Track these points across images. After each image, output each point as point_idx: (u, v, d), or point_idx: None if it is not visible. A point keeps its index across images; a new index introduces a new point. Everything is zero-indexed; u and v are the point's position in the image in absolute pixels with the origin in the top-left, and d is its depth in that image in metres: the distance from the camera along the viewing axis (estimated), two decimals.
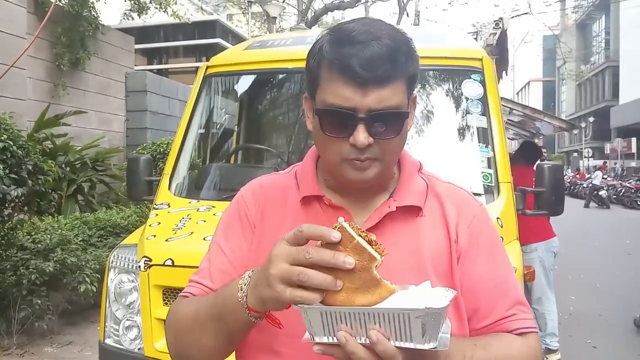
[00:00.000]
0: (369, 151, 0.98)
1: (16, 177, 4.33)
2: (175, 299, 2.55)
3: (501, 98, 3.23)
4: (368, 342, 0.79)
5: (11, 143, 4.32)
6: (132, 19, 10.40)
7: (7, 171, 4.25)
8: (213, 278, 1.11)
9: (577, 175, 32.07)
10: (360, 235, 0.81)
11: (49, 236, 5.06)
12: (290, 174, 1.19)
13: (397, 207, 1.07)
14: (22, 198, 4.38)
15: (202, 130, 3.61)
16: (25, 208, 4.65)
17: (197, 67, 3.63)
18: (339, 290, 0.80)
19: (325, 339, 0.81)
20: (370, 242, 0.81)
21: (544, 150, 9.77)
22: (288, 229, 0.89)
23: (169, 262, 2.42)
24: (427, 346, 0.78)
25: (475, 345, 1.00)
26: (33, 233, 5.16)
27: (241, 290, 0.92)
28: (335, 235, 0.80)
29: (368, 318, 0.78)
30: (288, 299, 0.81)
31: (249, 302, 0.90)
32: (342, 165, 1.02)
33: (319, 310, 0.80)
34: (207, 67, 3.46)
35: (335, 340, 0.80)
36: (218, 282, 1.10)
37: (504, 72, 6.99)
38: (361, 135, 0.96)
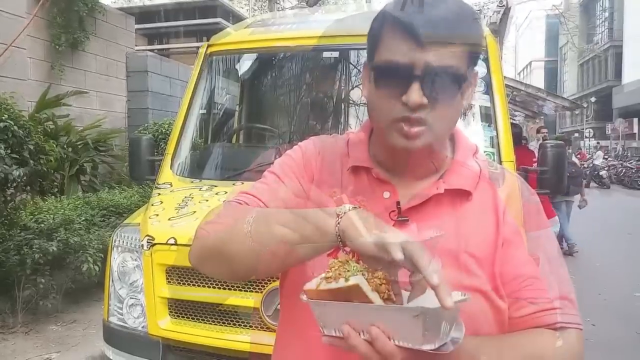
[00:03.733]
0: (421, 114, 0.94)
1: (18, 157, 4.31)
2: (177, 277, 2.55)
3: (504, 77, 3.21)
4: None
5: (12, 123, 4.29)
6: None
7: (8, 151, 4.23)
8: (269, 199, 1.08)
9: (578, 155, 31.98)
10: (379, 282, 0.81)
11: (52, 216, 5.07)
12: (344, 141, 1.16)
13: (445, 190, 1.03)
14: (24, 178, 4.37)
15: (204, 111, 3.60)
16: (28, 188, 4.64)
17: (198, 48, 3.60)
18: None
19: (332, 332, 0.83)
20: (387, 283, 0.82)
21: (544, 130, 9.77)
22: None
23: (171, 241, 2.44)
24: (424, 347, 0.77)
25: (501, 344, 0.96)
26: (36, 213, 5.17)
27: (338, 217, 0.87)
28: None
29: (371, 315, 0.80)
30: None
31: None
32: (391, 130, 0.98)
33: (327, 304, 0.83)
34: (208, 47, 3.43)
35: (341, 334, 0.81)
36: (274, 205, 1.07)
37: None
38: (415, 94, 0.92)
